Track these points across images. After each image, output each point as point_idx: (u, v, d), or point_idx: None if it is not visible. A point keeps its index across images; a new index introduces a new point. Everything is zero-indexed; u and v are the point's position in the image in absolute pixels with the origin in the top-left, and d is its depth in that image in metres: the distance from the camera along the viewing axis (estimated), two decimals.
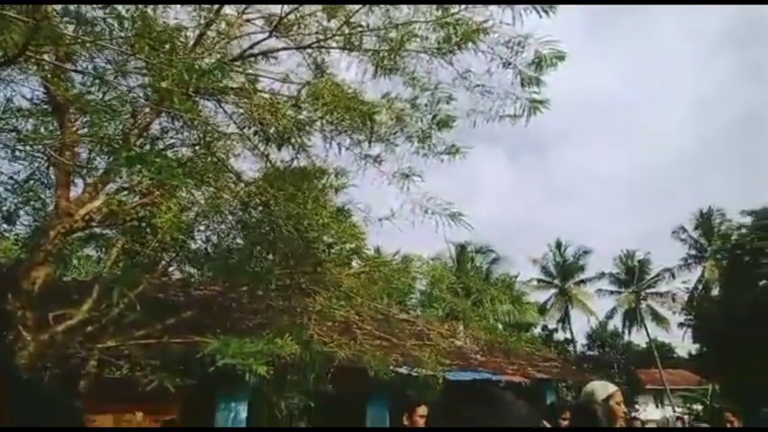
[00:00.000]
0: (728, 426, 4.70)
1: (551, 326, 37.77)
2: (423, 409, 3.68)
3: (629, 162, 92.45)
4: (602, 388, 3.04)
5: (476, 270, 26.67)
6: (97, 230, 5.24)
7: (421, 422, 3.59)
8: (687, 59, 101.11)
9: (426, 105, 5.19)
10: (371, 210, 5.37)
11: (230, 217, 5.35)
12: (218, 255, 5.59)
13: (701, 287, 32.03)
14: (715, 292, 27.11)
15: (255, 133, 5.05)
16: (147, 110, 4.64)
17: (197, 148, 4.95)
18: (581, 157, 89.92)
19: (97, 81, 4.24)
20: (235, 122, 4.96)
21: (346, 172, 5.57)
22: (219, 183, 4.90)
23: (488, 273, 28.56)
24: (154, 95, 4.18)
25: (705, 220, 33.39)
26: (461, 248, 28.97)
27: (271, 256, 5.59)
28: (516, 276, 30.33)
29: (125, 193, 4.87)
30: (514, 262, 34.90)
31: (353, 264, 5.99)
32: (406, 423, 3.71)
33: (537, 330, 32.79)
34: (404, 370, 6.30)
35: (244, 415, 6.04)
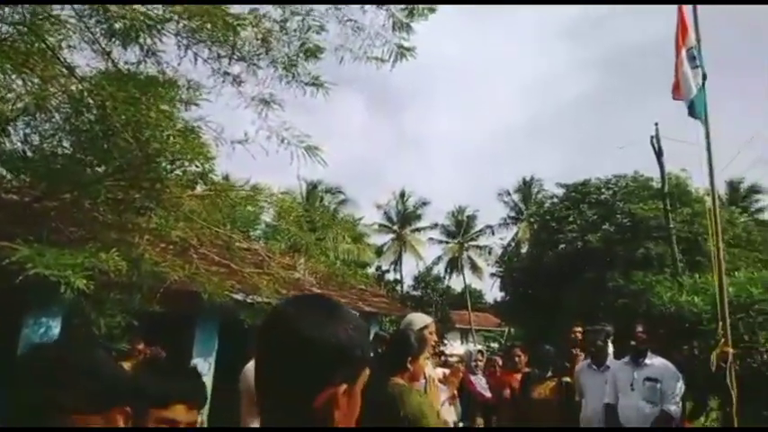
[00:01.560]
0: (516, 359, 5.59)
1: (385, 267, 40.31)
2: None
3: (474, 127, 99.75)
4: (418, 319, 3.50)
5: (324, 209, 27.05)
6: None
7: None
8: (533, 44, 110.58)
9: (296, 31, 5.00)
10: (224, 131, 5.12)
11: (57, 115, 4.70)
12: (39, 157, 4.91)
13: (513, 245, 36.53)
14: (524, 250, 31.10)
15: (97, 23, 4.43)
16: None
17: (22, 27, 4.20)
18: (432, 115, 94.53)
19: None
20: (73, 8, 4.29)
21: (200, 87, 5.20)
22: (47, 74, 4.24)
23: (335, 213, 29.22)
24: None
25: (526, 187, 37.73)
26: (312, 187, 29.13)
27: (102, 167, 5.07)
28: (361, 219, 31.53)
29: None
30: (360, 206, 36.15)
31: (198, 188, 5.70)
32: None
33: (371, 270, 34.71)
34: (239, 296, 6.29)
35: (56, 331, 5.58)
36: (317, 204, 27.28)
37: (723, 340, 3.21)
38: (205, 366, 6.96)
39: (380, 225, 40.52)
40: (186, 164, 5.18)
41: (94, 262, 3.86)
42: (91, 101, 4.44)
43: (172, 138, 4.53)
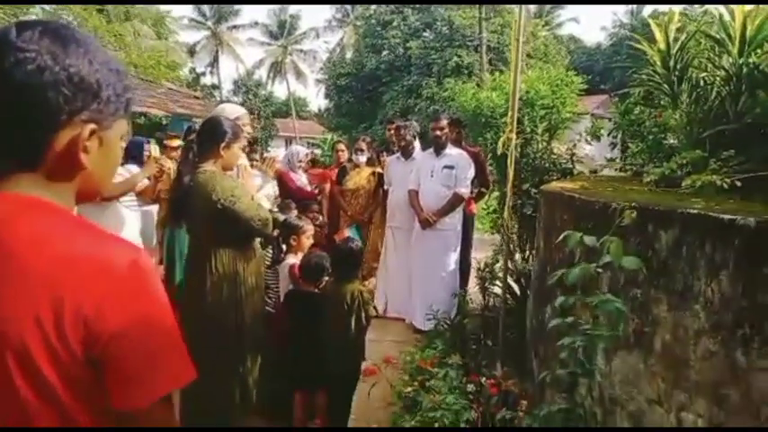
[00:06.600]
0: (339, 153, 5.83)
1: (200, 69, 37.06)
2: None
3: None
4: (231, 108, 3.31)
5: None
6: None
7: None
8: None
9: None
10: None
11: None
12: None
13: (339, 50, 35.84)
14: (349, 55, 30.80)
15: None
16: None
17: None
18: None
19: None
20: None
21: None
22: None
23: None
24: None
25: None
26: None
27: None
28: (168, 12, 27.41)
29: None
30: None
31: None
32: None
33: (185, 72, 31.67)
34: None
35: None
36: None
37: (509, 128, 3.64)
38: None
39: (191, 20, 36.03)
40: None
41: None
42: None
43: None
